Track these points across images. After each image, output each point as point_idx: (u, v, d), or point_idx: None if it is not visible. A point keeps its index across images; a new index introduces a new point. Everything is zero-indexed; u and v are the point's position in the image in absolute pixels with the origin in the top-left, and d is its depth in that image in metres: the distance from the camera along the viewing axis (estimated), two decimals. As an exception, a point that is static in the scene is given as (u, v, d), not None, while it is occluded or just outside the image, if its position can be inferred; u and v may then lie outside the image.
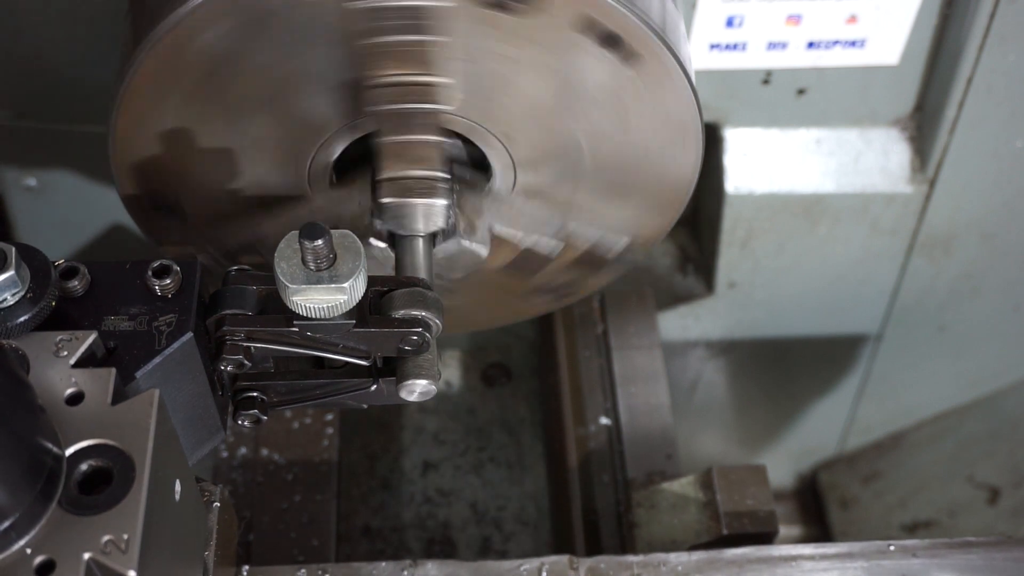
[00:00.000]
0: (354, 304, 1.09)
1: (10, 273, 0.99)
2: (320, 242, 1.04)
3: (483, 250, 1.40)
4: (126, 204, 1.35)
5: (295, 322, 1.11)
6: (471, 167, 1.37)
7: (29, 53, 1.62)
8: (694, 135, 1.31)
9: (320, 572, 1.30)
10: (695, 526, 1.45)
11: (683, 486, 1.50)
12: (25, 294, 1.01)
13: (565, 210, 1.40)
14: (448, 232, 1.34)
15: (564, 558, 1.30)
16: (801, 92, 1.79)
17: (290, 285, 1.06)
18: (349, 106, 1.26)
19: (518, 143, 1.32)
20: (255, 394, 1.19)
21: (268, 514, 1.63)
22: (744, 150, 1.87)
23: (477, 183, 1.37)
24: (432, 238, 1.34)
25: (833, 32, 1.70)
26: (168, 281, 1.09)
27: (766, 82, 1.77)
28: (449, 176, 1.32)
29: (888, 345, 2.22)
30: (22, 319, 1.00)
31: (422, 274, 1.30)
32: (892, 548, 1.29)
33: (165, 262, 1.10)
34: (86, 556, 0.87)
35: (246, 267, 1.16)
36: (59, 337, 1.00)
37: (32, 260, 1.03)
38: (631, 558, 1.30)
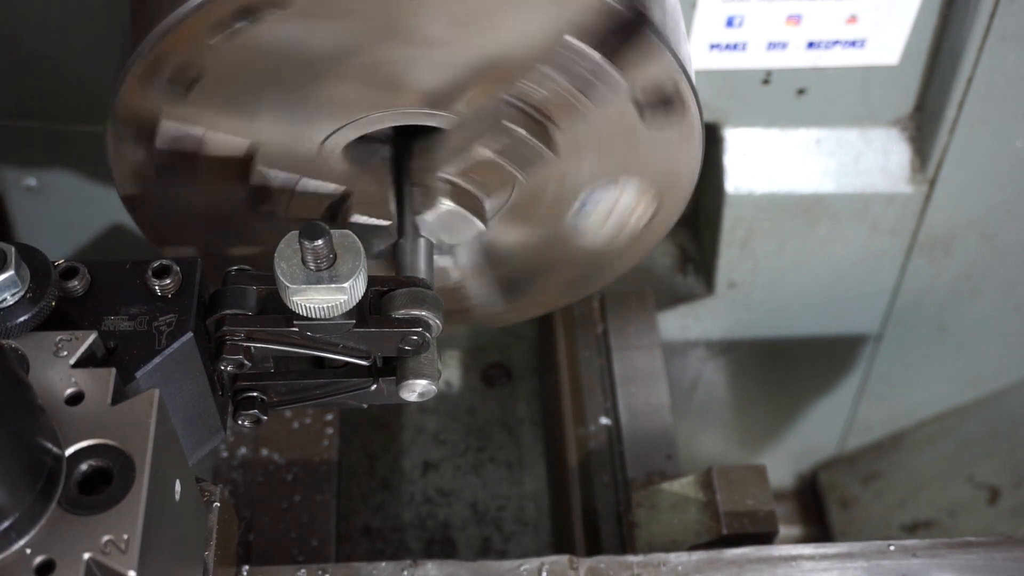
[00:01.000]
0: (354, 304, 1.09)
1: (10, 273, 0.99)
2: (320, 242, 1.04)
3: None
4: (126, 204, 1.35)
5: (295, 322, 1.11)
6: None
7: (29, 53, 1.62)
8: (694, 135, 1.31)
9: (320, 572, 1.29)
10: (695, 526, 1.45)
11: (683, 486, 1.50)
12: (25, 294, 1.01)
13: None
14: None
15: (564, 558, 1.30)
16: (801, 92, 1.79)
17: (290, 285, 1.06)
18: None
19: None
20: (255, 394, 1.19)
21: (268, 514, 1.62)
22: (744, 150, 1.87)
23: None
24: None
25: (833, 32, 1.70)
26: (168, 281, 1.08)
27: (766, 82, 1.77)
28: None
29: (888, 345, 2.22)
30: (22, 319, 1.00)
31: (422, 274, 1.30)
32: (892, 548, 1.29)
33: (165, 262, 1.09)
34: (86, 556, 0.87)
35: (246, 267, 1.16)
36: (59, 337, 1.00)
37: (32, 260, 1.02)
38: (631, 558, 1.30)
